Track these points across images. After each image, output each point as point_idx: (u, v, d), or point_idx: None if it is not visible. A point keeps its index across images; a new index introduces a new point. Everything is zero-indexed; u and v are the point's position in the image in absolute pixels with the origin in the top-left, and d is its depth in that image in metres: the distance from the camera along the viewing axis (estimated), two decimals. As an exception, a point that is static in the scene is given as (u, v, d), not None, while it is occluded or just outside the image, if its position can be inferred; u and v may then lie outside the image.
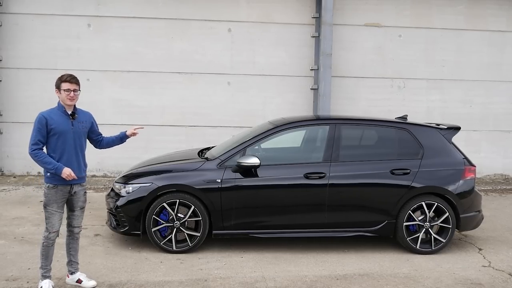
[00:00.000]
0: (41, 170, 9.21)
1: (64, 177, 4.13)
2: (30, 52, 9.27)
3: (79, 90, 4.28)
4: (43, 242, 4.28)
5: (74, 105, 4.32)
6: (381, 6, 9.91)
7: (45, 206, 4.24)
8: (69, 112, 4.26)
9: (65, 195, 4.27)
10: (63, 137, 4.19)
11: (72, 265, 4.52)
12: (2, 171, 9.44)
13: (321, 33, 9.48)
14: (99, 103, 9.15)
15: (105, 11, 9.36)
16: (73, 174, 4.16)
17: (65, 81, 4.19)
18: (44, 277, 4.32)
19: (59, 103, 4.26)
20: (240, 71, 9.70)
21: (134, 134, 4.69)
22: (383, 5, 9.92)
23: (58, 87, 4.22)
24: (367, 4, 9.87)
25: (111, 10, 9.37)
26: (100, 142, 4.60)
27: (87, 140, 4.51)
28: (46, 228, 4.25)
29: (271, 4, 9.70)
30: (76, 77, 4.26)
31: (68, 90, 4.17)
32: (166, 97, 9.57)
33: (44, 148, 4.22)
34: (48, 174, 4.21)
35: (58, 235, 4.32)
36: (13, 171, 9.46)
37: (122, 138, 4.69)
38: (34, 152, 4.12)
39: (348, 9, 9.82)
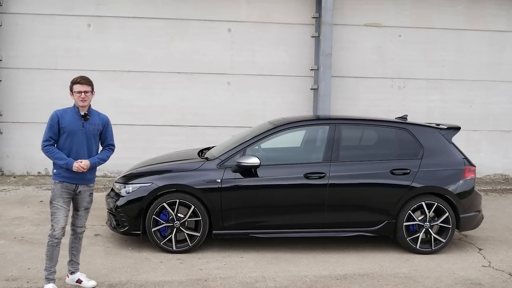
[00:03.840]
0: (41, 170, 9.33)
1: (75, 170, 4.18)
2: (30, 52, 9.26)
3: (92, 91, 4.32)
4: (48, 241, 4.26)
5: (89, 107, 4.36)
6: (381, 6, 9.90)
7: (51, 202, 4.28)
8: (82, 113, 4.30)
9: (70, 192, 4.30)
10: (71, 136, 4.25)
11: (73, 264, 4.52)
12: (2, 171, 9.44)
13: (321, 33, 9.48)
14: (99, 103, 8.94)
15: (105, 11, 9.36)
16: (82, 164, 4.19)
17: (76, 83, 4.25)
18: (48, 280, 4.27)
19: (74, 103, 4.32)
20: (240, 71, 9.70)
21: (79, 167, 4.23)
22: (383, 5, 9.91)
23: (70, 89, 4.28)
24: (367, 4, 9.87)
25: (111, 10, 9.37)
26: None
27: None
28: (51, 225, 4.25)
29: (271, 4, 9.70)
30: (87, 78, 4.31)
31: (79, 92, 4.23)
32: (166, 97, 9.56)
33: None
34: (55, 170, 4.28)
35: (63, 234, 4.27)
36: (13, 171, 9.45)
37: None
38: (46, 148, 4.22)
39: (348, 9, 9.82)
